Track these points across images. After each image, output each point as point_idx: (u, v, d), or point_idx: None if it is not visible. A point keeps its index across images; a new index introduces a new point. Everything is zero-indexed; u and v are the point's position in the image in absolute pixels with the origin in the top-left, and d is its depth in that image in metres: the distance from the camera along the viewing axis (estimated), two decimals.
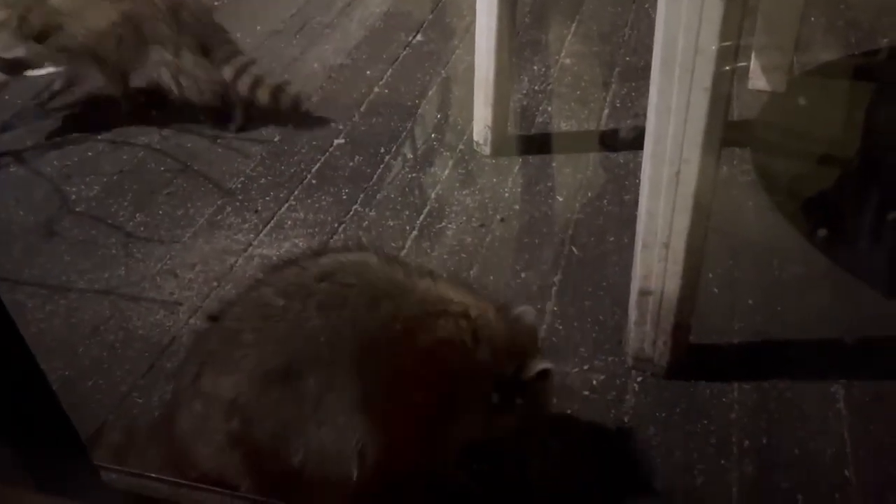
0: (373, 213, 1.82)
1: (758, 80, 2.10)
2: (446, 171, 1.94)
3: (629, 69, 2.28)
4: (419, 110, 2.17)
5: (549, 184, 1.88)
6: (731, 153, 1.89)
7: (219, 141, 2.09)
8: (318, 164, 1.99)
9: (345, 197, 1.87)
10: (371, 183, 1.91)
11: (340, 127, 2.12)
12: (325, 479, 1.02)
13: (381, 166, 1.97)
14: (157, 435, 1.13)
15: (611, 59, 2.34)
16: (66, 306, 1.60)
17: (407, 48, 2.47)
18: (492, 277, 1.62)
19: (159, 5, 2.03)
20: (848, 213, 1.74)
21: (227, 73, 2.07)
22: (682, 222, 1.19)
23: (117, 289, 1.64)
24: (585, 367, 1.41)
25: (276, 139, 2.09)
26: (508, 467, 1.24)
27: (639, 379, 1.38)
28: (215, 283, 1.64)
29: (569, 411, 1.33)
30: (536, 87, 2.23)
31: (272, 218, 1.82)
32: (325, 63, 2.42)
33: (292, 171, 1.97)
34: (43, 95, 2.22)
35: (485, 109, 1.92)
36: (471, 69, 1.92)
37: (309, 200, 1.87)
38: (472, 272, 1.64)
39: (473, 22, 1.85)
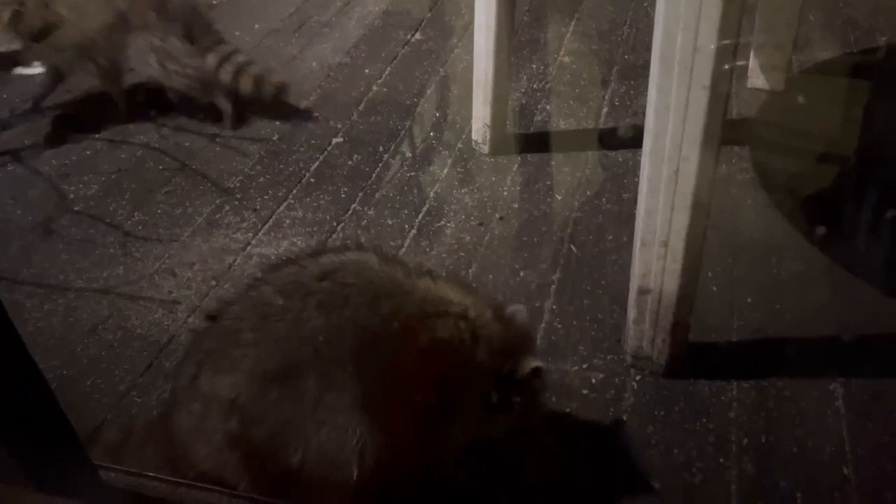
0: (371, 212, 1.82)
1: (756, 79, 2.10)
2: (445, 170, 1.94)
3: (628, 67, 2.28)
4: (418, 109, 2.17)
5: (548, 182, 1.88)
6: (730, 151, 1.89)
7: (217, 140, 2.09)
8: (317, 163, 1.99)
9: (343, 196, 1.87)
10: (370, 182, 1.91)
11: (339, 126, 2.12)
12: (324, 479, 1.02)
13: (380, 165, 1.97)
14: (155, 434, 1.13)
15: (610, 57, 2.34)
16: (65, 305, 1.60)
17: (406, 47, 2.47)
18: (491, 276, 1.62)
19: None
20: (846, 211, 1.74)
21: (211, 61, 2.07)
22: (681, 220, 1.19)
23: (116, 288, 1.64)
24: (584, 366, 1.41)
25: (274, 138, 2.09)
26: (507, 466, 1.24)
27: (637, 377, 1.38)
28: (214, 282, 1.64)
29: (568, 410, 1.33)
30: (535, 86, 2.23)
31: (271, 217, 1.82)
32: (323, 62, 2.42)
33: (291, 169, 1.97)
34: (38, 94, 2.21)
35: (483, 108, 1.92)
36: (469, 68, 1.92)
37: (307, 199, 1.87)
38: (470, 271, 1.64)
39: (472, 20, 1.85)
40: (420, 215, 1.80)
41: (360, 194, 1.87)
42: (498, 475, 1.23)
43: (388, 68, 2.36)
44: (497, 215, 1.79)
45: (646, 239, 1.25)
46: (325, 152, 2.03)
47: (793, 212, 1.72)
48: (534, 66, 2.32)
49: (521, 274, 1.62)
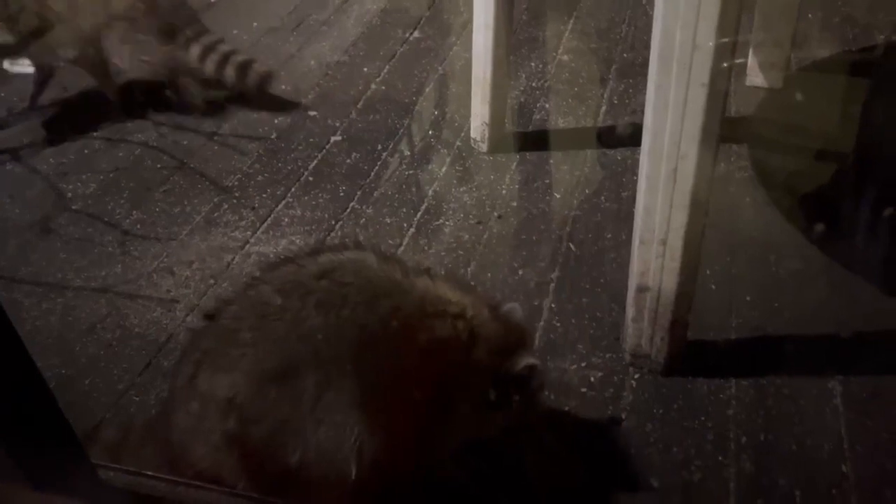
0: (370, 211, 1.82)
1: (755, 77, 2.10)
2: (444, 168, 1.94)
3: (627, 66, 2.28)
4: (416, 107, 2.17)
5: (547, 181, 1.88)
6: (729, 149, 1.89)
7: (216, 138, 2.09)
8: (316, 162, 1.99)
9: (342, 194, 1.87)
10: (368, 180, 1.91)
11: (338, 124, 2.12)
12: (323, 478, 1.02)
13: (379, 163, 1.97)
14: (153, 433, 1.13)
15: (608, 55, 2.33)
16: (63, 304, 1.60)
17: (404, 45, 2.47)
18: (489, 274, 1.62)
19: None
20: (845, 209, 1.74)
21: (195, 51, 2.08)
22: (680, 218, 1.19)
23: (114, 286, 1.63)
24: (583, 364, 1.41)
25: (273, 136, 2.09)
26: (506, 464, 1.24)
27: (636, 375, 1.38)
28: (212, 281, 1.64)
29: (566, 408, 1.33)
30: (534, 84, 2.23)
31: (269, 215, 1.82)
32: (322, 60, 2.41)
33: (289, 168, 1.97)
34: (33, 92, 2.21)
35: (482, 106, 1.92)
36: (468, 66, 1.92)
37: (306, 198, 1.87)
38: (469, 269, 1.64)
39: (471, 19, 1.85)
40: (419, 214, 1.80)
41: (359, 193, 1.87)
42: (497, 473, 1.23)
43: (387, 67, 2.36)
44: (496, 214, 1.79)
45: (644, 237, 1.25)
46: (324, 151, 2.03)
47: (791, 210, 1.72)
48: (532, 64, 2.32)
49: (520, 272, 1.62)
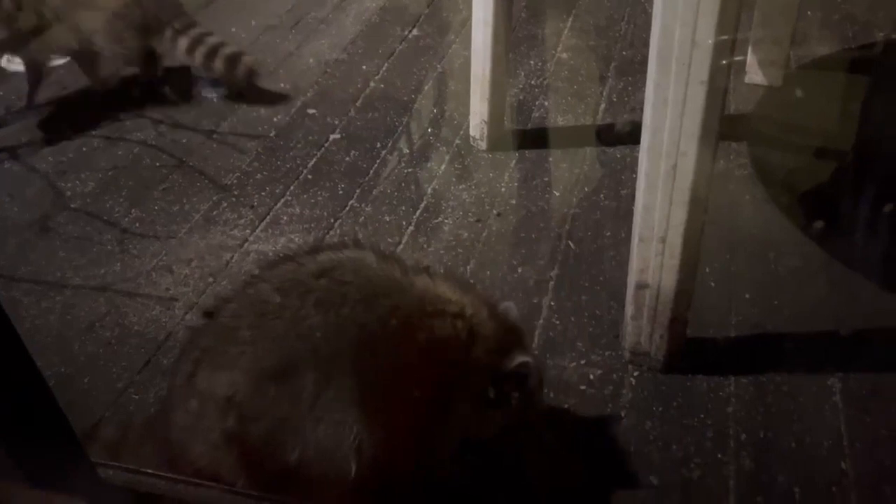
0: (369, 209, 1.81)
1: (754, 75, 2.10)
2: (443, 166, 1.94)
3: (626, 63, 2.28)
4: (415, 105, 2.17)
5: (546, 178, 1.88)
6: (728, 147, 1.89)
7: (214, 136, 2.09)
8: (314, 160, 1.99)
9: (341, 192, 1.87)
10: (367, 178, 1.91)
11: (336, 122, 2.12)
12: (322, 476, 1.02)
13: (378, 161, 1.97)
14: (153, 432, 1.12)
15: (607, 53, 2.33)
16: (62, 303, 1.59)
17: (403, 43, 2.46)
18: (488, 272, 1.62)
19: None
20: (844, 207, 1.74)
21: (183, 44, 2.10)
22: (679, 216, 1.19)
23: (113, 285, 1.63)
24: (582, 362, 1.41)
25: (272, 134, 2.09)
26: (505, 462, 1.24)
27: (635, 373, 1.38)
28: (211, 279, 1.64)
29: (566, 406, 1.33)
30: (533, 82, 2.23)
31: (268, 213, 1.82)
32: (320, 58, 2.41)
33: (288, 166, 1.97)
34: (29, 90, 2.21)
35: (481, 104, 1.92)
36: (467, 64, 1.92)
37: (305, 196, 1.87)
38: (468, 267, 1.64)
39: (469, 16, 1.85)
40: (418, 212, 1.80)
41: (358, 191, 1.87)
42: (496, 472, 1.23)
43: (386, 65, 2.36)
44: (495, 212, 1.79)
45: (644, 235, 1.25)
46: (323, 149, 2.02)
47: (791, 207, 1.72)
48: (531, 62, 2.32)
49: (519, 270, 1.62)
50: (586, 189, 1.83)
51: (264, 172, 1.95)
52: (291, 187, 1.89)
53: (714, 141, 1.13)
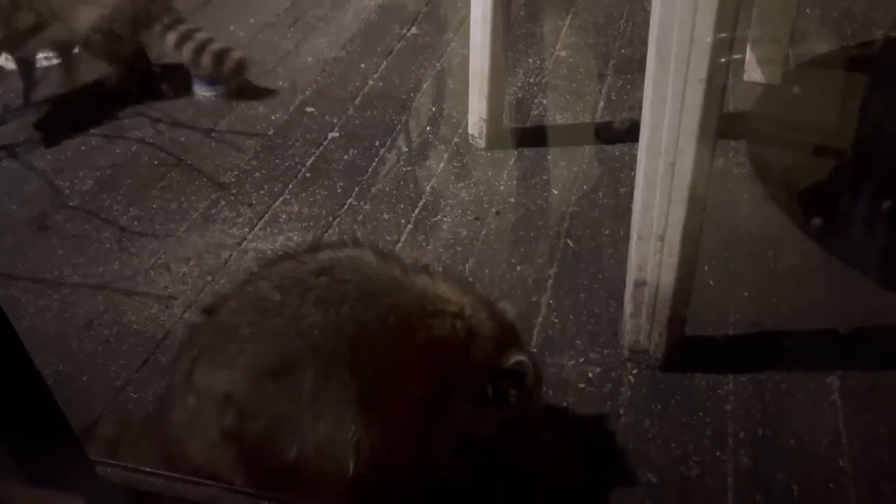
0: (367, 207, 1.81)
1: (753, 73, 2.10)
2: (441, 165, 1.94)
3: (624, 61, 2.28)
4: (414, 103, 2.17)
5: (545, 177, 1.88)
6: (727, 145, 1.89)
7: (213, 135, 2.09)
8: (313, 158, 1.98)
9: (339, 190, 1.87)
10: (366, 176, 1.91)
11: (335, 120, 2.12)
12: (321, 474, 1.02)
13: (376, 159, 1.96)
14: (151, 429, 1.12)
15: (606, 51, 2.33)
16: (60, 301, 1.59)
17: (401, 41, 2.46)
18: (487, 271, 1.62)
19: None
20: (843, 204, 1.74)
21: (171, 39, 2.10)
22: (678, 214, 1.19)
23: (111, 283, 1.63)
24: (581, 360, 1.41)
25: (270, 132, 2.09)
26: (504, 460, 1.24)
27: (634, 371, 1.38)
28: (209, 278, 1.64)
29: (564, 404, 1.33)
30: (531, 80, 2.23)
31: (266, 212, 1.82)
32: (319, 56, 2.41)
33: (286, 164, 1.97)
34: (24, 88, 2.21)
35: (480, 102, 1.92)
36: (466, 62, 1.92)
37: (303, 194, 1.86)
38: (467, 265, 1.63)
39: (468, 14, 1.84)
40: (416, 210, 1.79)
41: (356, 189, 1.87)
42: (495, 469, 1.23)
43: (384, 62, 2.36)
44: (493, 210, 1.79)
45: (642, 233, 1.25)
46: (321, 147, 2.02)
47: (789, 205, 1.72)
48: (530, 60, 2.32)
49: (518, 268, 1.62)
50: (585, 187, 1.83)
51: (263, 171, 1.95)
52: (290, 186, 1.89)
53: (713, 139, 1.13)
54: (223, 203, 1.85)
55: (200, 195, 1.88)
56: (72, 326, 1.53)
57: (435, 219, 1.77)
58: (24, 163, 2.01)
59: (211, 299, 1.24)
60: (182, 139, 2.08)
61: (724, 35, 1.04)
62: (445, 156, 1.97)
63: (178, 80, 2.27)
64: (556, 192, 1.83)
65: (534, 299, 1.54)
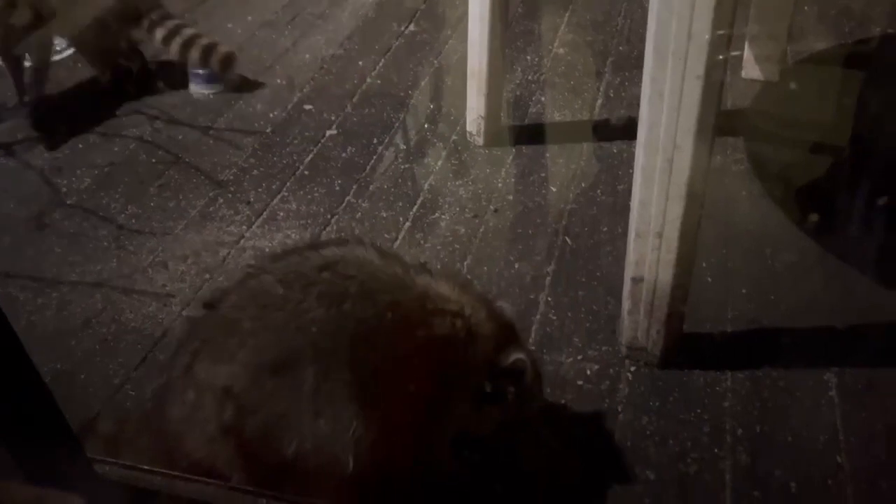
0: (366, 205, 1.81)
1: (751, 70, 2.10)
2: (439, 162, 1.94)
3: (622, 58, 2.28)
4: (412, 101, 2.17)
5: (543, 174, 1.88)
6: (725, 142, 1.89)
7: (211, 132, 2.08)
8: (311, 156, 1.98)
9: (337, 188, 1.87)
10: (364, 174, 1.91)
11: (333, 118, 2.11)
12: (320, 470, 1.02)
13: (374, 157, 1.96)
14: (149, 423, 1.12)
15: (604, 48, 2.33)
16: (58, 299, 1.59)
17: (399, 38, 2.46)
18: (485, 268, 1.62)
19: None
20: (840, 202, 1.74)
21: (159, 35, 2.12)
22: (675, 211, 1.19)
23: (109, 281, 1.63)
24: (579, 357, 1.41)
25: (268, 130, 2.08)
26: (503, 457, 1.24)
27: (632, 368, 1.38)
28: (207, 276, 1.64)
29: (563, 401, 1.34)
30: (530, 77, 2.23)
31: (264, 210, 1.81)
32: (317, 54, 2.41)
33: (284, 162, 1.96)
34: (18, 87, 2.20)
35: (478, 100, 1.92)
36: (464, 59, 1.92)
37: (301, 192, 1.86)
38: (465, 263, 1.63)
39: (466, 11, 1.84)
40: (414, 207, 1.79)
41: (355, 187, 1.87)
42: (493, 466, 1.23)
43: (382, 60, 2.35)
44: (492, 207, 1.79)
45: (640, 230, 1.25)
46: (319, 145, 2.02)
47: (787, 202, 1.72)
48: (528, 57, 2.32)
49: (516, 266, 1.62)
50: (583, 184, 1.83)
51: (260, 168, 1.95)
52: (288, 183, 1.89)
53: (710, 136, 1.13)
54: (221, 201, 1.85)
55: (198, 193, 1.87)
56: (70, 325, 1.53)
57: (433, 216, 1.77)
58: (22, 161, 2.01)
59: (214, 293, 1.23)
60: (180, 137, 2.07)
61: (721, 32, 1.04)
62: (443, 153, 1.96)
63: (175, 78, 2.27)
64: (554, 189, 1.83)
65: (532, 297, 1.54)
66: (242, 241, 1.73)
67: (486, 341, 1.10)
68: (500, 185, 1.85)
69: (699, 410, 1.31)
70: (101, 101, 2.20)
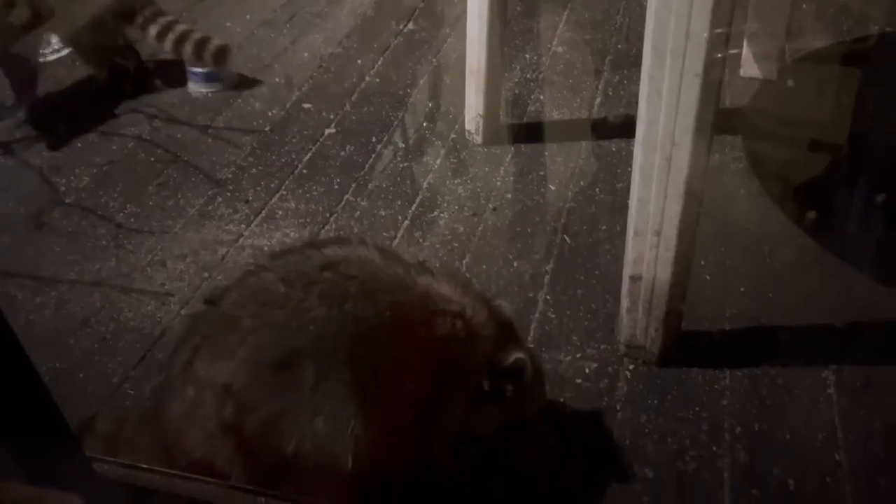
0: (364, 203, 1.81)
1: (750, 68, 2.10)
2: (438, 161, 1.94)
3: (621, 57, 2.27)
4: (411, 99, 2.17)
5: (541, 172, 1.88)
6: (723, 140, 1.89)
7: (209, 131, 2.08)
8: (310, 154, 1.98)
9: (336, 187, 1.87)
10: (363, 173, 1.91)
11: (331, 116, 2.11)
12: (319, 469, 1.02)
13: (373, 156, 1.96)
14: (148, 420, 1.12)
15: (603, 47, 2.33)
16: (57, 298, 1.59)
17: (398, 37, 2.46)
18: (484, 267, 1.62)
19: None
20: (838, 200, 1.74)
21: (153, 32, 2.12)
22: (674, 209, 1.19)
23: (108, 280, 1.63)
24: (578, 356, 1.41)
25: (266, 129, 2.08)
26: (501, 456, 1.24)
27: (631, 366, 1.39)
28: (206, 274, 1.64)
29: (561, 399, 1.34)
30: (528, 76, 2.23)
31: (263, 208, 1.81)
32: (315, 52, 2.40)
33: (283, 161, 1.96)
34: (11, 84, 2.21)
35: (476, 98, 1.92)
36: (462, 58, 1.92)
37: (300, 190, 1.86)
38: (464, 261, 1.64)
39: (465, 10, 1.84)
40: (413, 206, 1.79)
41: (353, 185, 1.87)
42: (492, 464, 1.23)
43: (381, 59, 2.35)
44: (490, 206, 1.79)
45: (639, 228, 1.25)
46: (318, 143, 2.02)
47: (785, 200, 1.72)
48: (527, 55, 2.32)
49: (515, 264, 1.62)
50: (582, 183, 1.83)
51: (259, 167, 1.95)
52: (286, 182, 1.89)
53: (709, 134, 1.13)
54: (220, 200, 1.85)
55: (197, 192, 1.87)
56: (69, 324, 1.53)
57: (432, 215, 1.77)
58: (20, 160, 2.00)
59: (215, 290, 1.23)
60: (178, 136, 2.07)
61: (720, 30, 1.04)
62: (442, 152, 1.96)
63: (173, 76, 2.27)
64: (552, 187, 1.83)
65: (530, 295, 1.54)
66: (241, 239, 1.73)
67: (486, 341, 1.10)
68: (498, 183, 1.85)
69: (698, 408, 1.31)
70: (100, 100, 2.20)
